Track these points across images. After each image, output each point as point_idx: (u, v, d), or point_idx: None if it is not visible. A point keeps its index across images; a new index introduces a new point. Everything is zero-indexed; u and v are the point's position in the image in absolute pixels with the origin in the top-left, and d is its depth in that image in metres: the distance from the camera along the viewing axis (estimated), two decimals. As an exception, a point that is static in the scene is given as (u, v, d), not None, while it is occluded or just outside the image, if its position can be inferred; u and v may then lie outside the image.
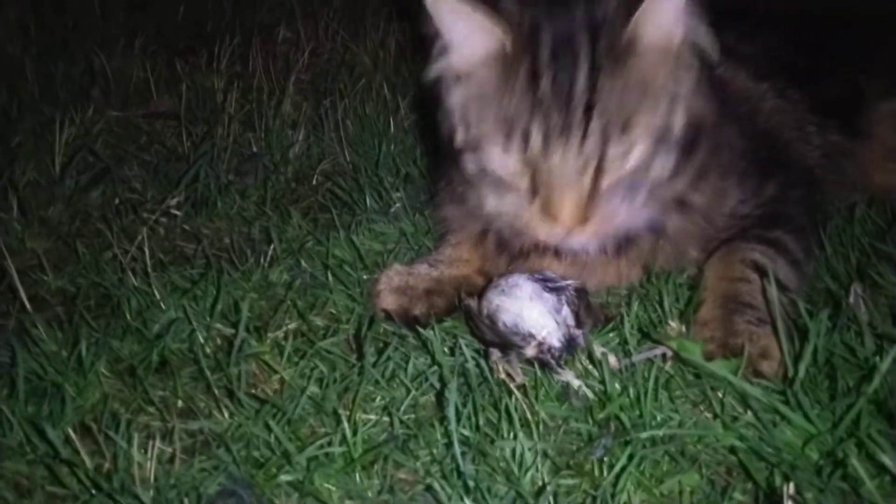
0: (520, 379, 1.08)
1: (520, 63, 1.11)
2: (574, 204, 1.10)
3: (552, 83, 1.09)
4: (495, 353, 1.09)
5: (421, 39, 1.21)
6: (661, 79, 1.11)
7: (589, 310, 1.17)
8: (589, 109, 1.08)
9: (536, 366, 1.11)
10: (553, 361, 1.11)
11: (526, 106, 1.10)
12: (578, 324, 1.14)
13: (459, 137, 1.18)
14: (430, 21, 1.15)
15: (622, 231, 1.20)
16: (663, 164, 1.13)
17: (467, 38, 1.14)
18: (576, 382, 1.08)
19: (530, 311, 1.13)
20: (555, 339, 1.12)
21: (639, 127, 1.09)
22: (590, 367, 1.12)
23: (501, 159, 1.13)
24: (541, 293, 1.15)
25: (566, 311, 1.14)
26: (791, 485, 0.81)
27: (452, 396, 0.98)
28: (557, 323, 1.13)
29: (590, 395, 1.06)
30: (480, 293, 1.19)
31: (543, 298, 1.14)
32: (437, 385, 1.10)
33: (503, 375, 1.08)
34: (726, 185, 1.28)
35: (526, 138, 1.10)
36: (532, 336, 1.12)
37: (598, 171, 1.10)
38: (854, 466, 0.81)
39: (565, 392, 1.08)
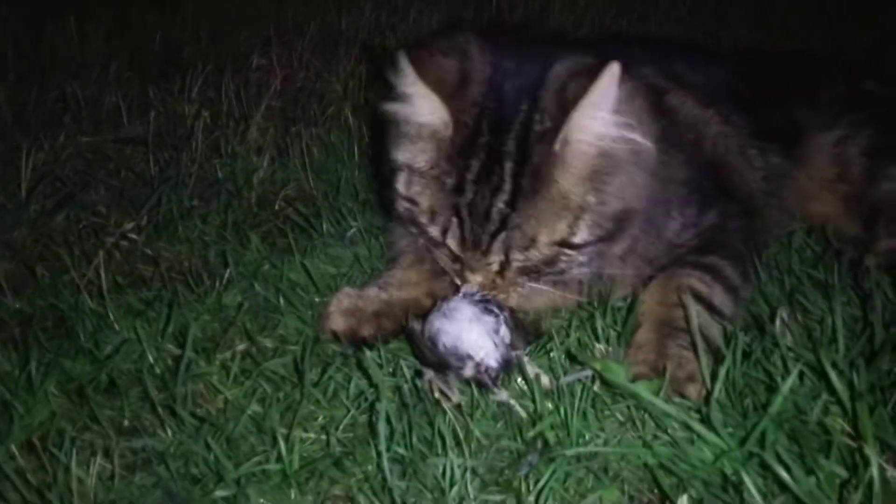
0: (455, 399, 1.12)
1: (453, 166, 1.19)
2: (482, 280, 1.22)
3: (472, 200, 1.18)
4: (429, 374, 1.13)
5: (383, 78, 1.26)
6: (578, 195, 1.16)
7: (522, 328, 1.21)
8: (498, 231, 1.17)
9: (473, 386, 1.15)
10: (490, 382, 1.15)
11: (448, 208, 1.20)
12: (514, 345, 1.18)
13: (401, 189, 1.24)
14: (397, 72, 1.19)
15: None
16: (568, 261, 1.20)
17: (422, 107, 1.20)
18: (510, 401, 1.12)
19: (469, 333, 1.17)
20: (492, 360, 1.16)
21: (543, 240, 1.17)
22: (524, 387, 1.15)
23: (427, 228, 1.24)
24: (479, 315, 1.19)
25: (504, 331, 1.18)
26: (684, 497, 0.85)
27: (382, 415, 1.02)
28: (495, 344, 1.17)
29: (523, 414, 1.10)
30: (424, 316, 1.23)
31: (482, 321, 1.18)
32: (378, 405, 1.13)
33: (437, 395, 1.11)
34: (663, 223, 1.33)
35: (444, 233, 1.22)
36: (470, 357, 1.15)
37: (505, 265, 1.21)
38: (747, 483, 0.85)
39: (501, 411, 1.12)
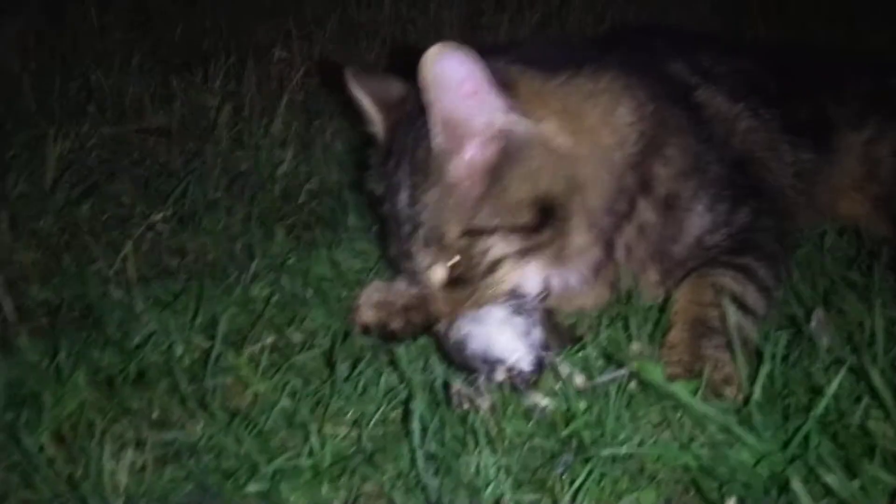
0: (486, 405, 1.10)
1: (381, 177, 1.28)
2: (442, 299, 1.23)
3: (390, 206, 1.24)
4: (457, 385, 1.10)
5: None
6: (466, 181, 1.17)
7: (557, 331, 1.19)
8: (413, 231, 1.20)
9: (506, 387, 1.13)
10: (522, 385, 1.13)
11: (386, 220, 1.27)
12: (548, 346, 1.16)
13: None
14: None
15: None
16: (507, 244, 1.19)
17: (369, 119, 1.32)
18: (542, 402, 1.10)
19: (499, 336, 1.15)
20: (525, 364, 1.14)
21: (451, 232, 1.18)
22: (557, 385, 1.14)
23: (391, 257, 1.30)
24: (510, 318, 1.17)
25: (536, 333, 1.17)
26: (732, 500, 0.83)
27: (417, 412, 1.01)
28: (527, 346, 1.15)
29: (555, 414, 1.08)
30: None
31: (513, 323, 1.17)
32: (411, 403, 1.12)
33: (466, 406, 1.09)
34: (686, 219, 1.31)
35: (390, 252, 1.28)
36: (501, 361, 1.14)
37: (448, 269, 1.21)
38: (795, 488, 0.84)
39: (532, 410, 1.11)
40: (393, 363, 1.19)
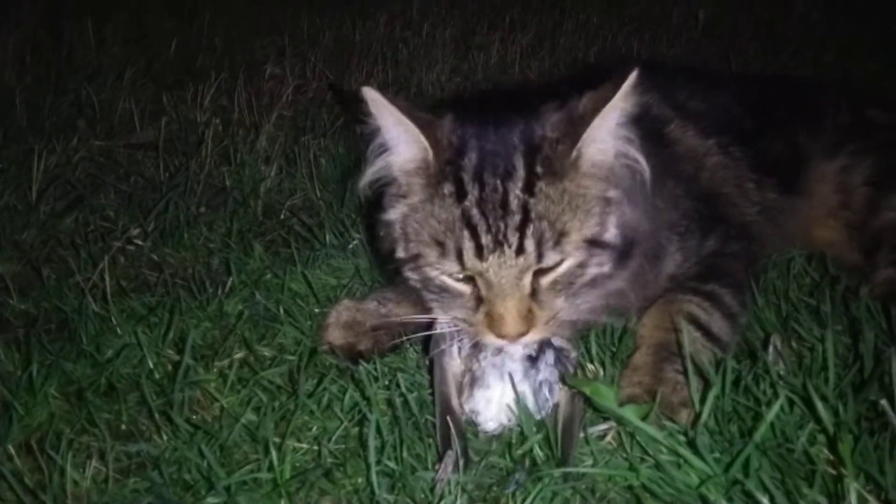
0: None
1: (445, 175, 1.13)
2: (516, 315, 1.10)
3: (481, 195, 1.11)
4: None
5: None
6: (594, 192, 1.14)
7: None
8: (524, 224, 1.09)
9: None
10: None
11: (457, 219, 1.11)
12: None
13: (400, 253, 1.18)
14: (369, 119, 1.14)
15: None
16: (600, 266, 1.15)
17: (403, 144, 1.15)
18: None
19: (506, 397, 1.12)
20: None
21: (572, 236, 1.11)
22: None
23: (439, 274, 1.15)
24: (528, 371, 1.13)
25: (545, 390, 1.13)
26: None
27: (373, 428, 1.04)
28: (538, 404, 1.12)
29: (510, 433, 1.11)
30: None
31: (528, 378, 1.13)
32: (369, 416, 1.15)
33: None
34: (664, 256, 1.33)
35: (459, 255, 1.11)
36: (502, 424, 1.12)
37: (536, 277, 1.12)
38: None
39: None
40: (357, 380, 1.21)
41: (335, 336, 1.31)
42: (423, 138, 1.14)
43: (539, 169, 1.11)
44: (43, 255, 1.61)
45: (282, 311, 1.41)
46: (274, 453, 1.05)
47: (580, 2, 3.45)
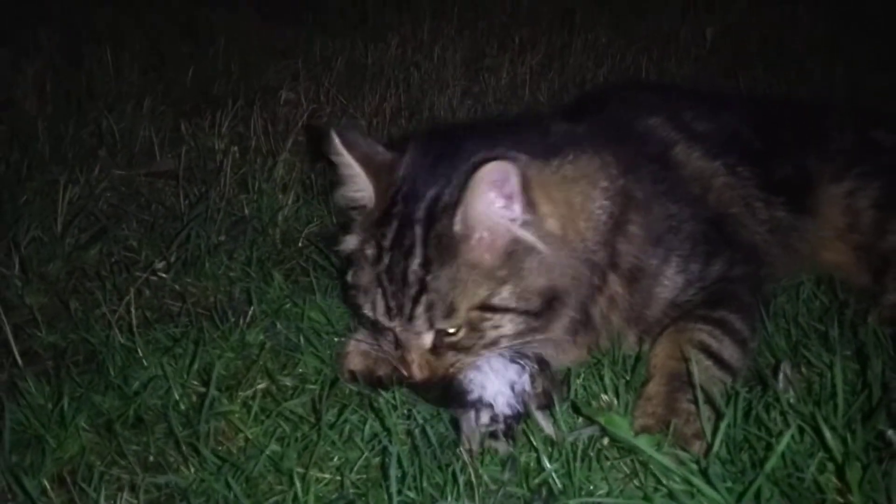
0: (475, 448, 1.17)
1: (372, 237, 1.27)
2: (418, 363, 1.25)
3: (389, 265, 1.24)
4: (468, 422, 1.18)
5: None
6: (486, 265, 1.21)
7: (552, 381, 1.25)
8: (418, 295, 1.22)
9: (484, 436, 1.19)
10: (501, 430, 1.19)
11: (373, 280, 1.26)
12: (538, 397, 1.23)
13: (349, 278, 1.32)
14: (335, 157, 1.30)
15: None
16: (497, 329, 1.23)
17: (355, 182, 1.31)
18: (511, 450, 1.16)
19: (492, 383, 1.22)
20: (506, 408, 1.20)
21: (462, 307, 1.21)
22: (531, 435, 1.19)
23: (364, 309, 1.29)
24: (507, 365, 1.24)
25: (524, 382, 1.22)
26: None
27: (394, 459, 1.07)
28: (512, 392, 1.21)
29: (528, 462, 1.14)
30: None
31: (507, 369, 1.23)
32: (390, 447, 1.18)
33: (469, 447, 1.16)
34: (655, 285, 1.36)
35: (374, 307, 1.26)
36: (490, 406, 1.20)
37: (439, 335, 1.24)
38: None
39: (507, 459, 1.16)
40: (377, 410, 1.24)
41: (355, 363, 1.36)
42: (370, 186, 1.29)
43: (433, 250, 1.22)
44: (69, 287, 1.65)
45: (302, 340, 1.45)
46: (298, 484, 1.09)
47: (589, 21, 3.50)
